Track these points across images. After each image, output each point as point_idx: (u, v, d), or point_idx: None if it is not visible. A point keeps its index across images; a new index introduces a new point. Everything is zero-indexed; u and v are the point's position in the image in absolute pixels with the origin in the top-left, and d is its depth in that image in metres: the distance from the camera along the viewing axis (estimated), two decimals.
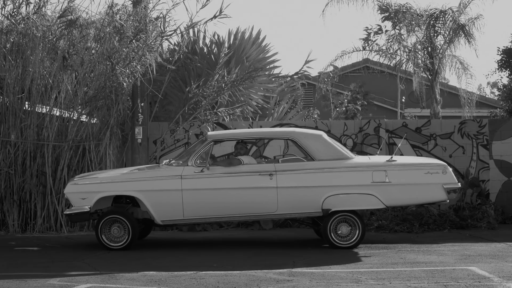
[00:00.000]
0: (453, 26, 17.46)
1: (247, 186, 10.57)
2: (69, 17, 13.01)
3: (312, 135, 11.12)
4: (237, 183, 10.58)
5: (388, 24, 17.95)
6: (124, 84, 13.06)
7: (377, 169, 10.65)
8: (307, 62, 15.58)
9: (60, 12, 13.09)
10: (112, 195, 10.82)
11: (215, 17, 13.72)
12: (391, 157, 10.97)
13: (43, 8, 13.07)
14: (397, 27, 17.65)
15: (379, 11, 17.84)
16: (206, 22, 13.77)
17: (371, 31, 18.12)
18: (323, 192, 10.55)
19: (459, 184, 10.89)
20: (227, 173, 10.64)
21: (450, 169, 10.84)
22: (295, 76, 16.16)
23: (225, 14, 13.65)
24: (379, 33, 18.07)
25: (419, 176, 10.69)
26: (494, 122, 14.77)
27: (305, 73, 15.54)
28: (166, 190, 10.56)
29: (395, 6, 17.68)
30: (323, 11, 18.20)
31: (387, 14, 17.69)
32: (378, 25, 18.12)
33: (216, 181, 10.59)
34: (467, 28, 17.41)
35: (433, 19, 17.53)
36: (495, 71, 20.02)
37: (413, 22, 17.50)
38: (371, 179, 10.59)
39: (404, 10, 17.51)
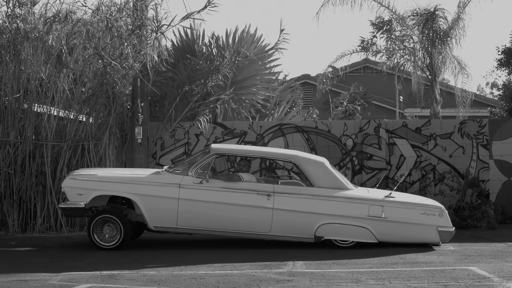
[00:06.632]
0: (438, 28, 17.52)
1: (244, 203, 10.56)
2: (61, 14, 12.98)
3: (314, 161, 11.09)
4: (234, 199, 10.56)
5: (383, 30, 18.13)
6: (119, 82, 13.02)
7: (374, 203, 10.65)
8: (281, 31, 15.50)
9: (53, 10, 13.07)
10: (108, 194, 10.82)
11: (205, 7, 13.54)
12: (390, 193, 10.95)
13: (36, 6, 13.06)
14: (392, 36, 17.80)
15: (371, 25, 18.08)
16: (198, 12, 13.52)
17: (366, 41, 18.23)
18: (318, 220, 10.57)
19: (453, 228, 10.88)
20: (225, 188, 10.62)
21: (447, 212, 10.85)
22: (277, 48, 15.86)
23: (214, 3, 13.43)
24: (374, 42, 18.22)
25: (415, 215, 10.68)
26: (494, 122, 14.78)
27: (284, 41, 15.37)
28: (163, 197, 10.54)
29: (386, 18, 17.86)
30: (317, 13, 18.26)
31: (379, 27, 17.93)
32: (372, 32, 18.23)
33: (213, 195, 10.56)
34: (450, 32, 17.53)
35: (428, 20, 17.55)
36: (494, 70, 20.02)
37: (406, 28, 17.63)
38: (367, 213, 10.59)
39: (396, 21, 17.69)
